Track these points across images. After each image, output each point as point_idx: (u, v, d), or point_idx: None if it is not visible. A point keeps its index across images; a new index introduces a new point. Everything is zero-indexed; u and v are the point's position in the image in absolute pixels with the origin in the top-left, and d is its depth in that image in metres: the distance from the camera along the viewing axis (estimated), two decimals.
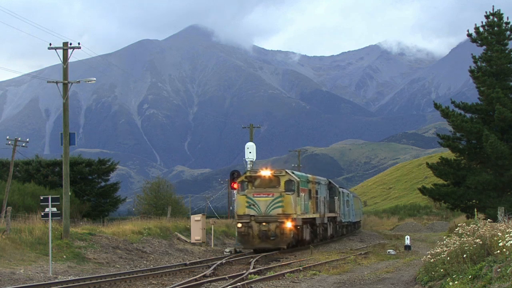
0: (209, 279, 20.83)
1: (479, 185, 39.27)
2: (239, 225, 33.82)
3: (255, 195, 33.94)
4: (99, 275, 22.77)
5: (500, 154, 37.64)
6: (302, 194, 35.26)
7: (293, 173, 35.85)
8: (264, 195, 33.88)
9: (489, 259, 14.61)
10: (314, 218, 38.87)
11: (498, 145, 37.26)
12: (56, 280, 21.42)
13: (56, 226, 31.45)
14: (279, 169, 35.05)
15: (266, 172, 34.45)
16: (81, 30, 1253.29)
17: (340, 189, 50.25)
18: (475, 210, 27.87)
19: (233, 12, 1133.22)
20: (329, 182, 45.45)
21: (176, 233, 39.31)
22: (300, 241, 36.50)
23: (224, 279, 20.94)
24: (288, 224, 33.48)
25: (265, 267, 25.45)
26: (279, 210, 33.60)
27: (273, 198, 33.77)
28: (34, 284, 20.19)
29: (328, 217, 43.33)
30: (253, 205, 33.62)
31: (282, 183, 34.11)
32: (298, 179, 34.92)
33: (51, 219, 24.96)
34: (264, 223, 33.53)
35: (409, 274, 21.95)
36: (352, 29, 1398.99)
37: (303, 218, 35.44)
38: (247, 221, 33.62)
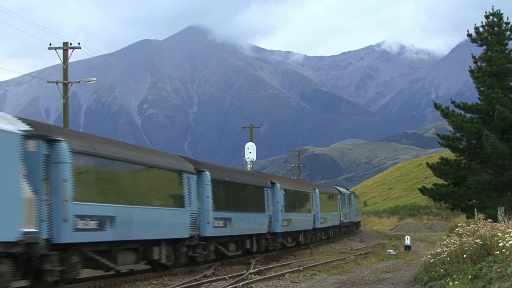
0: (209, 279, 20.82)
1: (479, 185, 39.22)
2: None
3: None
4: (99, 275, 22.75)
5: (500, 154, 37.58)
6: None
7: None
8: None
9: (489, 259, 14.59)
10: None
11: (498, 145, 37.20)
12: None
13: None
14: None
15: None
16: (80, 29, 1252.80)
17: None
18: (475, 210, 27.79)
19: (233, 12, 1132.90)
20: None
21: None
22: None
23: (224, 279, 20.93)
24: None
25: (265, 267, 25.44)
26: None
27: None
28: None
29: None
30: None
31: None
32: None
33: None
34: None
35: (409, 274, 21.94)
36: (352, 29, 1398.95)
37: None
38: None
